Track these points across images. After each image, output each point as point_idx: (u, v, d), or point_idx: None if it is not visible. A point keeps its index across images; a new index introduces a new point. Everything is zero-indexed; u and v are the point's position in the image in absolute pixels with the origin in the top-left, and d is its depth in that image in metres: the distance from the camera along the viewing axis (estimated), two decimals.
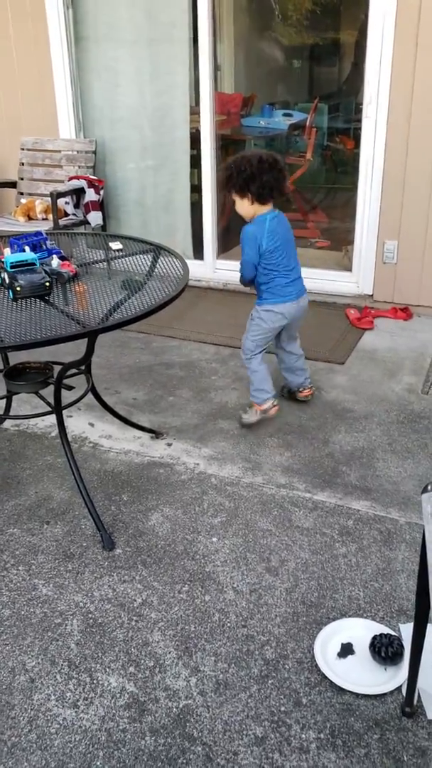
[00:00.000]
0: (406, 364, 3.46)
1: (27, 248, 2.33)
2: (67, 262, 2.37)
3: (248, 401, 2.98)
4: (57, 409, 2.39)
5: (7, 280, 2.18)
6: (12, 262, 2.18)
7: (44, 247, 2.40)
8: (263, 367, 2.88)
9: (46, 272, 2.22)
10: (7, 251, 2.33)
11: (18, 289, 2.13)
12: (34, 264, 2.22)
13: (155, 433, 2.89)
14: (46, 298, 2.18)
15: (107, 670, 1.84)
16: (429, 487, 1.41)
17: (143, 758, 1.61)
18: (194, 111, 4.37)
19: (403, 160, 3.76)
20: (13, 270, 2.17)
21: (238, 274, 2.83)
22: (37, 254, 2.30)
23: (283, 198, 2.84)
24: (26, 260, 2.21)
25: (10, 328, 2.00)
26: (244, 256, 2.75)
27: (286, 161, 5.89)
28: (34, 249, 2.36)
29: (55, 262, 2.33)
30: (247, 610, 2.01)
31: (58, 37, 4.35)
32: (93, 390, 2.64)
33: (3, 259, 2.24)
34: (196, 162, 4.46)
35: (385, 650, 1.80)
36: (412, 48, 3.56)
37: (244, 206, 2.70)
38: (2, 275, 2.24)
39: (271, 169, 2.63)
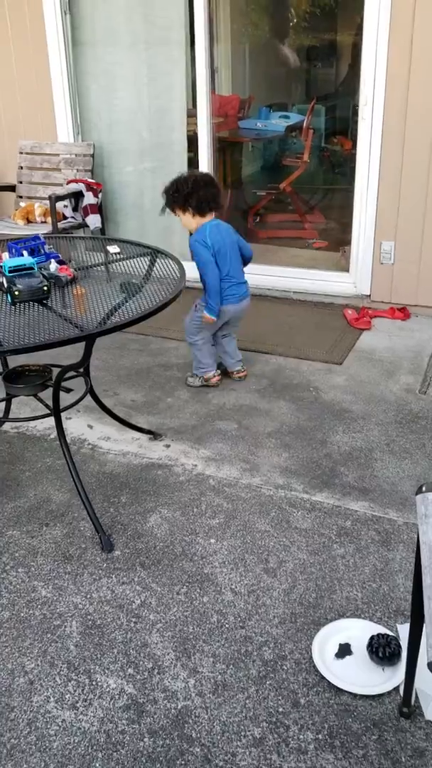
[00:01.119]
0: (403, 364, 3.48)
1: (25, 252, 2.35)
2: (65, 266, 2.38)
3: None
4: (56, 411, 2.40)
5: (5, 285, 2.19)
6: (10, 267, 2.20)
7: (42, 251, 2.41)
8: (207, 346, 3.25)
9: (44, 276, 2.24)
10: (5, 255, 2.34)
11: (16, 293, 2.14)
12: (32, 268, 2.23)
13: (153, 435, 2.90)
14: (45, 302, 2.19)
15: (106, 671, 1.85)
16: (423, 488, 1.42)
17: (142, 760, 1.62)
18: (191, 113, 4.38)
19: (399, 160, 3.78)
20: (11, 274, 2.18)
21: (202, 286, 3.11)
22: (35, 258, 2.31)
23: (219, 210, 3.17)
24: (24, 264, 2.22)
25: (8, 332, 2.01)
26: (200, 262, 3.06)
27: (284, 163, 5.95)
28: (32, 253, 2.37)
29: (53, 266, 2.34)
30: (245, 611, 2.02)
31: (56, 42, 4.36)
32: (91, 392, 2.65)
33: (1, 264, 2.25)
34: (193, 164, 4.47)
35: (382, 651, 1.81)
36: (407, 50, 3.57)
37: (188, 220, 3.07)
38: (1, 279, 2.25)
39: (206, 185, 3.03)
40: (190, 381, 3.33)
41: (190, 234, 3.11)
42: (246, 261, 3.26)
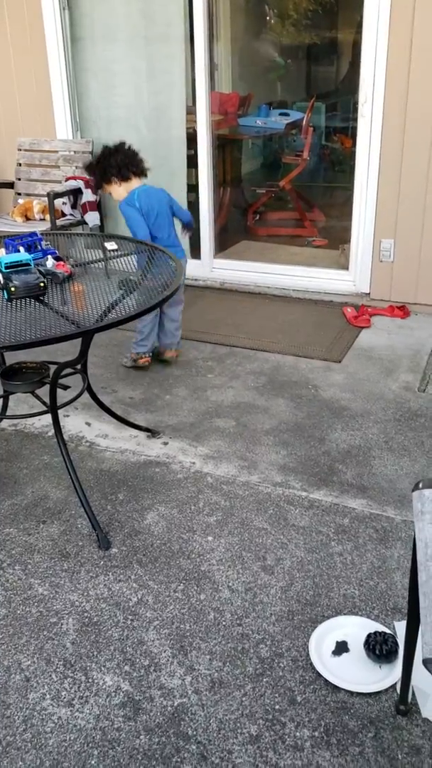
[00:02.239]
0: (403, 362, 3.47)
1: (21, 249, 2.34)
2: (62, 263, 2.37)
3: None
4: (53, 408, 2.39)
5: (1, 281, 2.19)
6: (6, 263, 2.19)
7: (39, 247, 2.40)
8: (149, 327, 3.32)
9: (41, 273, 2.23)
10: (1, 252, 2.33)
11: (13, 289, 2.13)
12: (28, 264, 2.22)
13: (151, 432, 2.89)
14: (41, 298, 2.18)
15: (102, 669, 1.84)
16: (420, 485, 1.41)
17: (138, 757, 1.62)
18: (191, 110, 4.37)
19: (398, 158, 3.76)
20: (7, 270, 2.18)
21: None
22: (32, 255, 2.30)
23: (143, 173, 3.22)
24: (21, 261, 2.21)
25: (5, 329, 2.00)
26: (128, 219, 3.13)
27: (284, 161, 5.94)
28: (28, 249, 2.36)
29: (50, 262, 2.33)
30: (242, 608, 2.01)
31: (55, 38, 4.35)
32: (89, 389, 2.64)
33: None
34: (192, 162, 4.47)
35: (379, 648, 1.80)
36: (406, 47, 3.56)
37: (116, 190, 3.16)
38: None
39: (118, 152, 3.12)
40: (124, 361, 3.45)
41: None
42: (185, 226, 3.37)
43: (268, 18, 7.37)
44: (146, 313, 2.21)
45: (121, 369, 3.47)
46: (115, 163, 3.11)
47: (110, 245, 2.70)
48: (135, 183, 3.17)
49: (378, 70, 3.66)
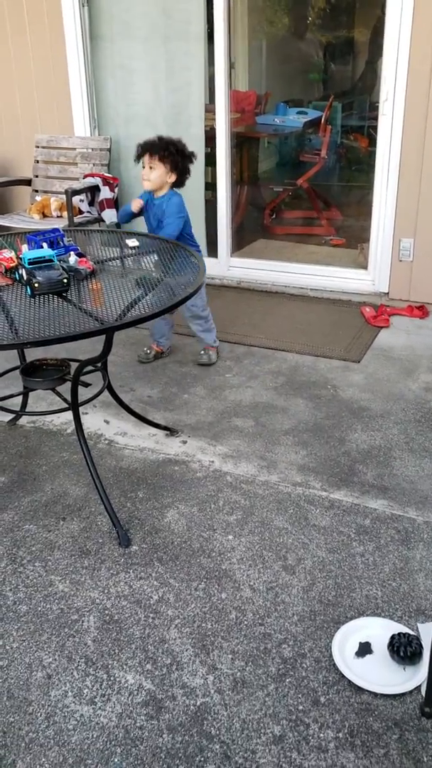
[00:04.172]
0: (422, 363, 3.44)
1: (45, 245, 2.33)
2: (84, 259, 2.36)
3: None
4: (74, 405, 2.38)
5: (25, 277, 2.18)
6: (30, 259, 2.18)
7: (61, 243, 2.40)
8: (207, 311, 3.42)
9: (63, 269, 2.22)
10: (24, 248, 2.33)
11: (36, 285, 2.13)
12: (51, 260, 2.22)
13: (170, 431, 2.89)
14: (64, 294, 2.17)
15: (124, 667, 1.83)
16: None
17: (161, 756, 1.61)
18: (209, 109, 4.36)
19: (419, 157, 3.74)
20: (31, 266, 2.17)
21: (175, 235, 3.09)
22: (55, 251, 2.30)
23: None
24: (44, 257, 2.21)
25: (28, 325, 2.00)
26: (179, 214, 3.13)
27: (301, 159, 5.92)
28: (51, 246, 2.35)
29: (72, 258, 2.33)
30: (263, 608, 2.00)
31: (74, 35, 4.35)
32: (109, 387, 2.64)
33: (21, 256, 2.24)
34: (210, 160, 4.45)
35: (403, 650, 1.79)
36: (429, 44, 3.53)
37: (163, 177, 3.09)
38: (20, 272, 2.24)
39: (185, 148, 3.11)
40: (212, 355, 3.45)
41: (152, 192, 3.15)
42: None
43: (287, 16, 7.34)
44: (168, 311, 2.20)
45: (139, 367, 3.47)
46: (188, 169, 3.13)
47: (132, 242, 2.69)
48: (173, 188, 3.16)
49: (400, 67, 3.64)
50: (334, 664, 1.81)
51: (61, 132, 4.59)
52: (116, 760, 1.60)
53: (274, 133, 6.09)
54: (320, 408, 3.05)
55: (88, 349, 2.85)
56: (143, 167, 3.12)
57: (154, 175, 3.08)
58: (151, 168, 3.07)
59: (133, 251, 2.66)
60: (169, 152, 3.04)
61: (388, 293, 4.10)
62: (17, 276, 2.27)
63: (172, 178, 3.08)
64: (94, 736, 1.66)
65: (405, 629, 1.89)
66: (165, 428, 2.89)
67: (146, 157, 3.07)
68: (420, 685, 1.74)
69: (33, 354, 2.85)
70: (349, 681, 1.77)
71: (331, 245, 5.07)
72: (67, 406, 2.44)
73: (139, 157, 3.11)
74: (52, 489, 2.56)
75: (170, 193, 3.13)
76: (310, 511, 2.41)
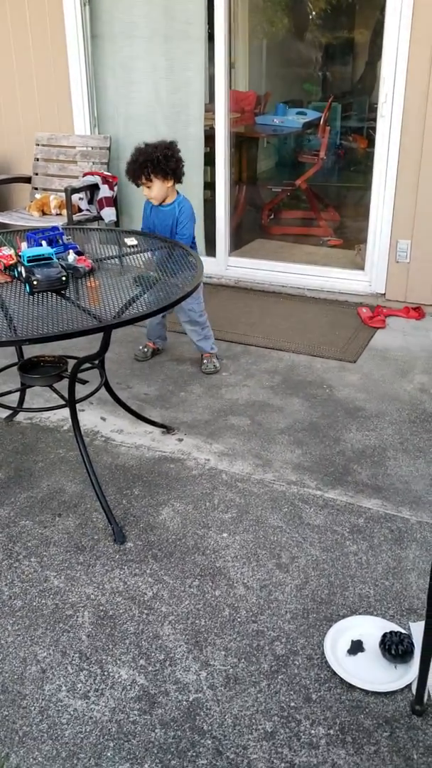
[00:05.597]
0: (418, 364, 3.46)
1: (44, 243, 2.35)
2: (83, 257, 2.38)
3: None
4: (71, 402, 2.40)
5: (24, 274, 2.20)
6: (29, 257, 2.19)
7: (60, 241, 2.41)
8: (204, 317, 3.38)
9: (62, 267, 2.23)
10: (24, 245, 2.34)
11: (35, 283, 2.14)
12: (50, 258, 2.23)
13: (166, 429, 2.90)
14: (63, 292, 2.19)
15: (118, 662, 1.85)
16: None
17: (153, 750, 1.62)
18: (208, 108, 4.37)
19: (417, 159, 3.75)
20: (30, 264, 2.18)
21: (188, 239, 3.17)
22: (54, 249, 2.31)
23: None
24: (43, 254, 2.22)
25: (26, 322, 2.01)
26: (192, 218, 3.17)
27: (300, 159, 5.93)
28: (50, 244, 2.37)
29: (71, 256, 2.34)
30: (257, 605, 2.02)
31: (75, 34, 4.36)
32: (106, 384, 2.65)
33: (20, 253, 2.25)
34: (209, 159, 4.47)
35: (395, 648, 1.80)
36: (428, 46, 3.55)
37: (163, 189, 3.07)
38: (19, 269, 2.25)
39: (176, 151, 3.05)
40: (216, 363, 3.41)
41: (155, 203, 3.13)
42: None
43: (287, 16, 7.35)
44: (166, 310, 2.22)
45: (136, 365, 3.48)
46: (181, 164, 3.08)
47: (130, 241, 2.70)
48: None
49: (399, 69, 3.65)
50: (326, 662, 1.83)
51: (61, 130, 4.60)
52: (109, 754, 1.61)
53: (273, 133, 6.11)
54: (316, 407, 3.07)
55: (85, 346, 2.86)
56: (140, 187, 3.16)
57: (154, 192, 3.09)
58: (148, 187, 3.08)
59: (132, 250, 2.67)
60: (154, 165, 3.00)
61: (384, 294, 4.12)
62: (16, 273, 2.28)
63: (171, 182, 3.09)
64: (88, 730, 1.68)
65: (397, 628, 1.91)
66: (161, 426, 2.91)
67: (140, 180, 3.09)
68: (411, 683, 1.76)
69: (31, 351, 2.87)
70: (341, 678, 1.78)
71: (328, 246, 5.09)
72: (64, 403, 2.45)
73: (135, 184, 3.13)
74: (49, 485, 2.57)
75: (179, 198, 3.15)
76: (305, 509, 2.42)
